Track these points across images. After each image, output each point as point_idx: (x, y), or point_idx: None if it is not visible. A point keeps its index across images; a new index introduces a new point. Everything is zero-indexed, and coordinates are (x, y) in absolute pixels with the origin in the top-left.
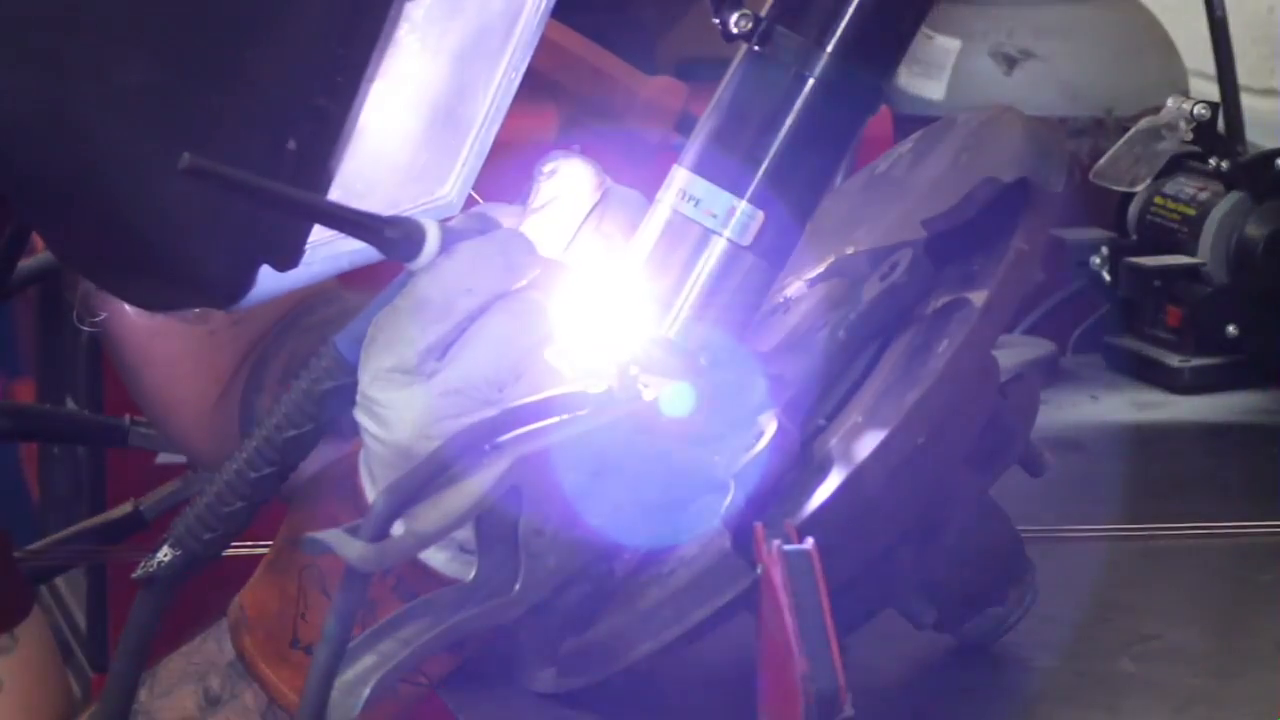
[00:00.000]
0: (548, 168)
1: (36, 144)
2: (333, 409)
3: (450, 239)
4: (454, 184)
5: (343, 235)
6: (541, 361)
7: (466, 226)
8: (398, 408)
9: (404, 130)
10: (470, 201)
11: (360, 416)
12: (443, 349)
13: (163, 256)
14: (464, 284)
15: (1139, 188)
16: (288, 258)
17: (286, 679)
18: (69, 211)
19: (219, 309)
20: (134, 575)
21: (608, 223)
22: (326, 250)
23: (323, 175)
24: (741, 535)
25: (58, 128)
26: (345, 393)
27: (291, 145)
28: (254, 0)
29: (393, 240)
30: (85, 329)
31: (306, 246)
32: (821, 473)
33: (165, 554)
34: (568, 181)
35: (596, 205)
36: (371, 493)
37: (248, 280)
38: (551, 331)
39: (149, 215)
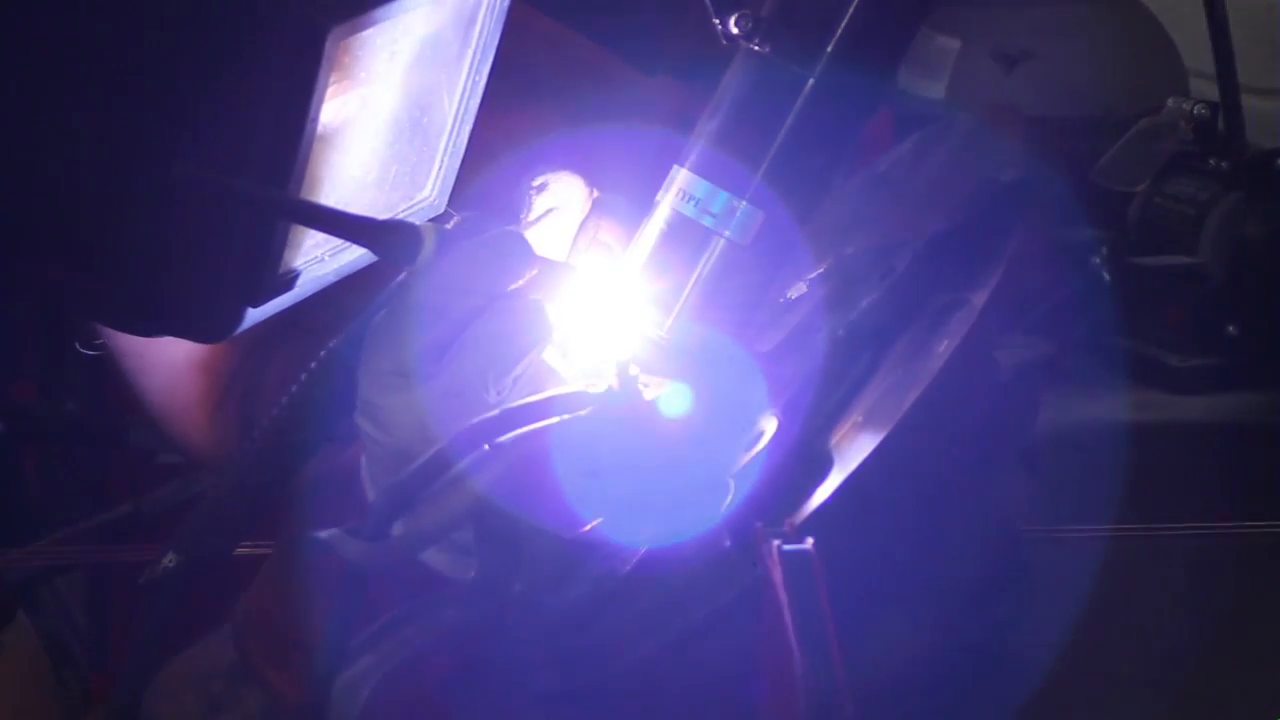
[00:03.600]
0: (537, 182)
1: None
2: (332, 413)
3: (446, 241)
4: (433, 186)
5: (323, 260)
6: (539, 362)
7: (462, 229)
8: (397, 411)
9: (369, 150)
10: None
11: (360, 420)
12: (440, 351)
13: (141, 303)
14: (460, 286)
15: (1139, 188)
16: (258, 294)
17: (289, 682)
18: (45, 256)
19: (208, 344)
20: (139, 582)
21: (603, 231)
22: (311, 271)
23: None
24: (741, 535)
25: (23, 180)
26: (345, 397)
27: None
28: (193, 53)
29: (389, 244)
30: (88, 353)
31: (297, 267)
32: (821, 473)
33: (170, 560)
34: (560, 195)
35: (589, 215)
36: (373, 496)
37: (231, 318)
38: (549, 332)
39: (121, 265)
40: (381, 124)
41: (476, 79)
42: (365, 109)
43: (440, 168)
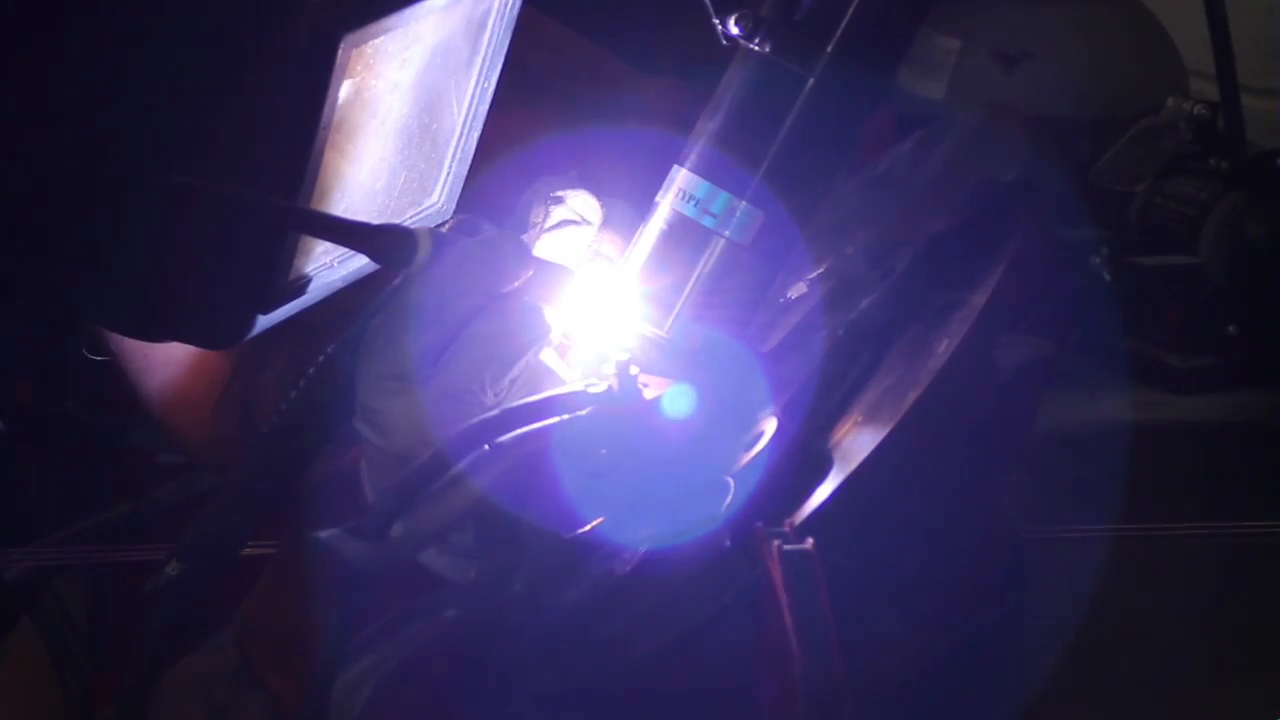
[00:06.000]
0: (556, 193)
1: (17, 208)
2: (332, 418)
3: (441, 244)
4: (441, 192)
5: (333, 267)
6: (536, 363)
7: (457, 232)
8: (395, 415)
9: (378, 157)
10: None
11: (360, 425)
12: (437, 354)
13: (151, 309)
14: (455, 288)
15: (1139, 188)
16: (269, 300)
17: (293, 686)
18: (54, 262)
19: (218, 350)
20: (143, 590)
21: (605, 244)
22: (321, 278)
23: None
24: (741, 535)
25: (33, 186)
26: (344, 401)
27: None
28: (205, 60)
29: (385, 248)
30: (96, 358)
31: (308, 274)
32: (821, 473)
33: (173, 568)
34: (576, 211)
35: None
36: (373, 499)
37: (242, 324)
38: (545, 332)
39: (131, 271)
40: (391, 131)
41: (485, 85)
42: (375, 116)
43: (448, 174)
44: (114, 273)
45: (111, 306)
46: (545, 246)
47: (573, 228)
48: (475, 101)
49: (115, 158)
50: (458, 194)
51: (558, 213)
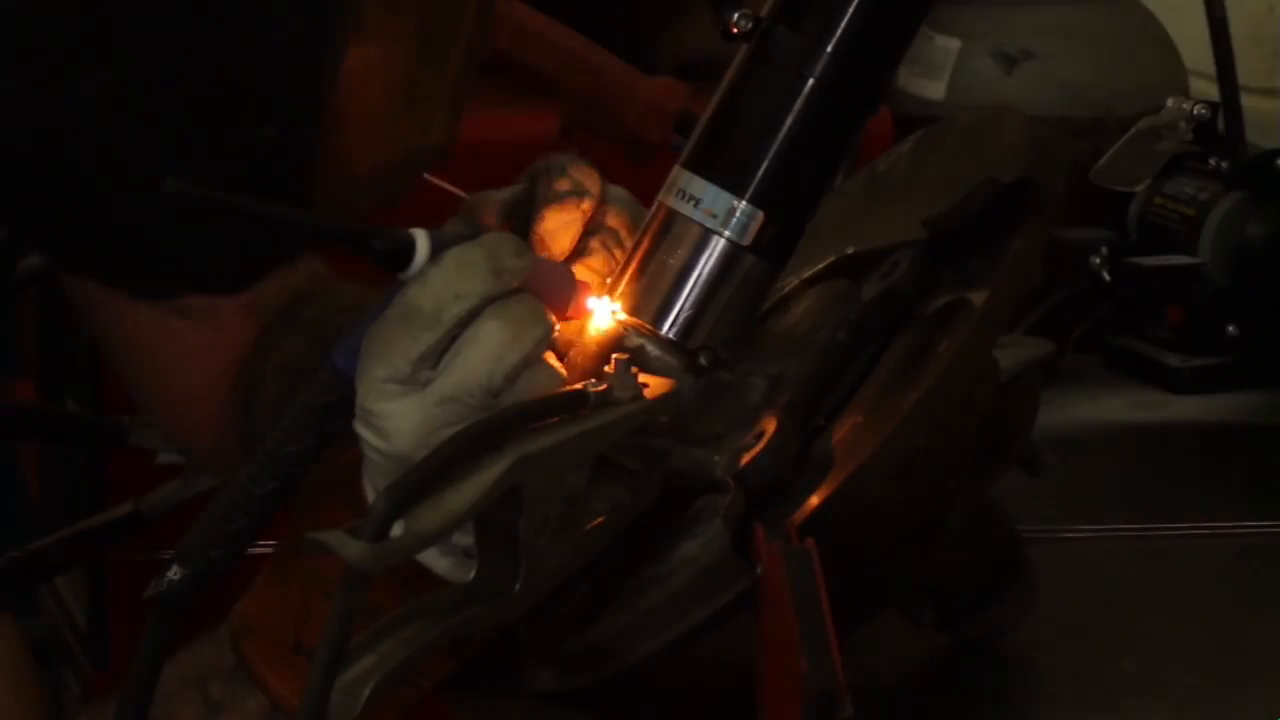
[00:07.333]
0: (556, 163)
1: (16, 153)
2: (333, 422)
3: (439, 245)
4: (442, 127)
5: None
6: (536, 364)
7: (455, 231)
8: (395, 418)
9: (380, 102)
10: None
11: (359, 428)
12: (435, 357)
13: (160, 256)
14: (452, 290)
15: (1139, 188)
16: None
17: (289, 684)
18: (58, 217)
19: (225, 296)
20: (145, 595)
21: (610, 217)
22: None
23: (307, 158)
24: (741, 535)
25: (34, 134)
26: (345, 406)
27: (270, 132)
28: (205, 57)
29: (382, 251)
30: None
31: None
32: (821, 473)
33: (174, 572)
34: (578, 182)
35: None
36: (373, 501)
37: (254, 269)
38: (545, 332)
39: (141, 218)
40: (394, 75)
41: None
42: (374, 66)
43: (448, 110)
44: (114, 237)
45: (111, 264)
46: (546, 220)
47: (572, 200)
48: (473, 36)
49: (111, 155)
50: (459, 130)
51: (559, 183)
